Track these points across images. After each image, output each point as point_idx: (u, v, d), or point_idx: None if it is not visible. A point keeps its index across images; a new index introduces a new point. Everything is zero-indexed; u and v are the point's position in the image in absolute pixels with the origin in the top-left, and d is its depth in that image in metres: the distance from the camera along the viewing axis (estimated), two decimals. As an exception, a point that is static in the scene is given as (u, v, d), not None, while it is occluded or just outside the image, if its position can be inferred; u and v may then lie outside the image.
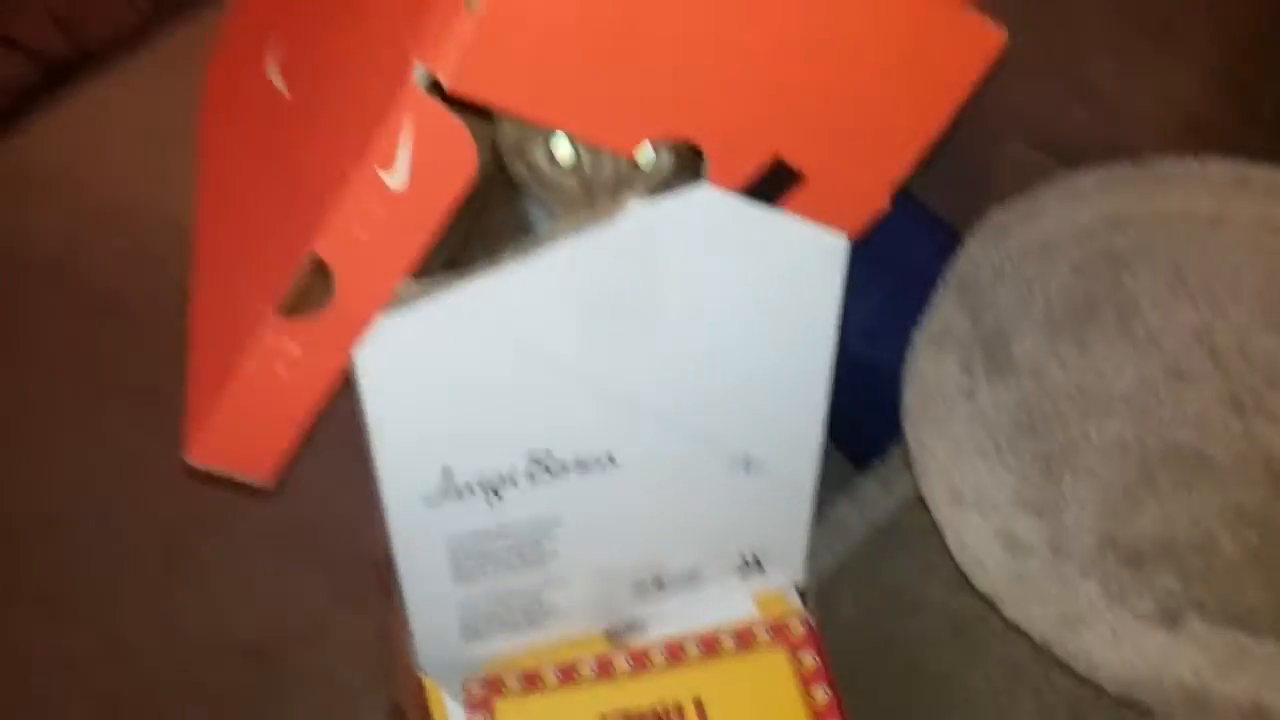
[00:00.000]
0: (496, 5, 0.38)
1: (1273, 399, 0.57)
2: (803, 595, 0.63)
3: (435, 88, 0.40)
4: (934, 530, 0.61)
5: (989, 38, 0.45)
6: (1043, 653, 0.62)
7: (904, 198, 0.95)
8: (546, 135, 0.48)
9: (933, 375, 0.59)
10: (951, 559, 0.62)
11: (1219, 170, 0.64)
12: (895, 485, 0.74)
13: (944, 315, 0.61)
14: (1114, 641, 0.49)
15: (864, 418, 0.76)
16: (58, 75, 1.37)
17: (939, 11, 0.44)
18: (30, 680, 0.91)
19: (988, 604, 0.65)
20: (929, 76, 0.46)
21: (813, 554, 0.79)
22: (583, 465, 0.54)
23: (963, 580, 0.66)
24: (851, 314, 0.81)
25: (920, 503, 0.62)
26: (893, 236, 0.92)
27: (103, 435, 1.05)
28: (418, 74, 0.40)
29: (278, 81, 0.54)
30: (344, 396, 0.55)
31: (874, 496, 0.75)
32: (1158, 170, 0.65)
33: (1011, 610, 0.54)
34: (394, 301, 0.46)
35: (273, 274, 0.45)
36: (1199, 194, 0.64)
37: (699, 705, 0.58)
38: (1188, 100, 1.42)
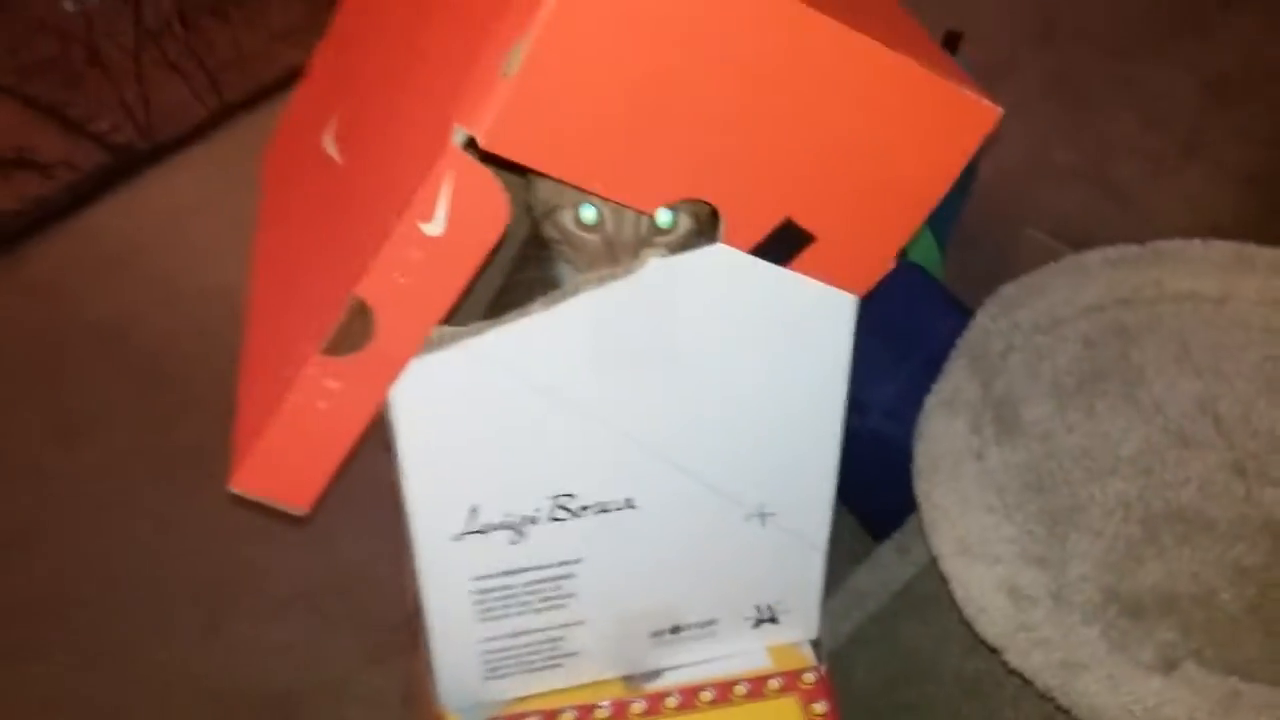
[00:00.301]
0: (529, 73, 0.43)
1: (1274, 465, 0.59)
2: (816, 648, 0.65)
3: (472, 146, 0.45)
4: (948, 595, 0.63)
5: (985, 113, 0.49)
6: (1053, 717, 0.64)
7: (931, 287, 0.97)
8: (575, 200, 0.52)
9: (943, 436, 0.62)
10: (965, 623, 0.63)
11: (1221, 250, 0.67)
12: (912, 552, 0.75)
13: (955, 381, 0.64)
14: (1112, 687, 0.50)
15: (885, 491, 0.78)
16: (130, 163, 1.46)
17: (938, 90, 0.48)
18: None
19: (999, 668, 0.66)
20: (930, 147, 0.49)
21: (831, 621, 0.81)
22: (603, 509, 0.57)
23: (975, 644, 0.67)
24: (875, 395, 0.84)
25: (935, 568, 0.64)
26: (919, 323, 0.96)
27: (148, 496, 1.10)
28: (457, 134, 0.44)
29: (332, 151, 0.59)
30: (377, 458, 0.58)
31: (891, 563, 0.77)
32: (1162, 250, 0.68)
33: (1015, 659, 0.55)
34: (429, 345, 0.49)
35: (318, 317, 0.49)
36: (1204, 273, 0.67)
37: (711, 750, 0.60)
38: (1214, 205, 1.45)
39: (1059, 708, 0.61)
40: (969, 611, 0.57)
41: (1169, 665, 0.50)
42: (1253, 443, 0.60)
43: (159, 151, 1.48)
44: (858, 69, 0.46)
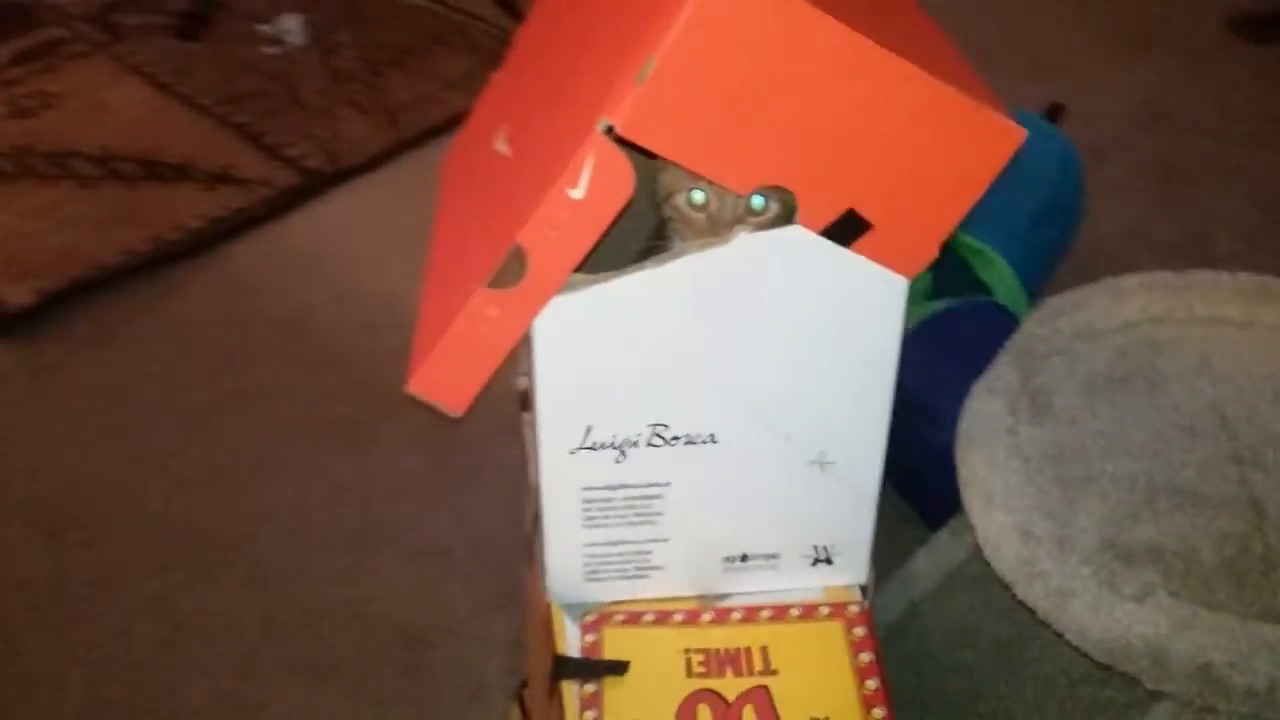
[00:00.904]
0: (656, 81, 0.58)
1: (1269, 456, 0.69)
2: (864, 591, 0.77)
3: (611, 134, 0.60)
4: (990, 573, 0.74)
5: (1010, 132, 0.62)
6: (1068, 669, 0.74)
7: (1011, 326, 1.07)
8: (688, 185, 0.67)
9: (984, 413, 0.73)
10: (1003, 592, 0.74)
11: (1247, 281, 0.78)
12: (964, 535, 0.86)
13: (1000, 371, 0.76)
14: (1095, 611, 0.61)
15: (945, 492, 0.89)
16: (317, 184, 1.68)
17: (970, 111, 0.61)
18: (237, 639, 1.10)
19: (1026, 632, 0.77)
20: (963, 159, 0.62)
21: (892, 597, 0.92)
22: (690, 440, 0.70)
23: (1009, 612, 0.78)
24: (951, 413, 0.95)
25: (981, 551, 0.75)
26: (987, 348, 1.07)
27: (310, 456, 1.28)
28: (600, 124, 0.60)
29: (503, 149, 0.76)
30: (509, 445, 0.69)
31: (944, 547, 0.88)
32: (1193, 278, 0.78)
33: (1021, 590, 0.66)
34: (567, 286, 0.64)
35: (485, 260, 0.65)
36: (1231, 301, 0.77)
37: (764, 651, 0.72)
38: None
39: (1067, 671, 0.71)
40: (987, 551, 0.68)
41: (1144, 596, 0.61)
42: (1252, 438, 0.70)
43: (341, 176, 1.70)
44: (904, 91, 0.60)
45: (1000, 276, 1.22)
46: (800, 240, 0.64)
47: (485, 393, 0.68)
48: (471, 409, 0.68)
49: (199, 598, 1.15)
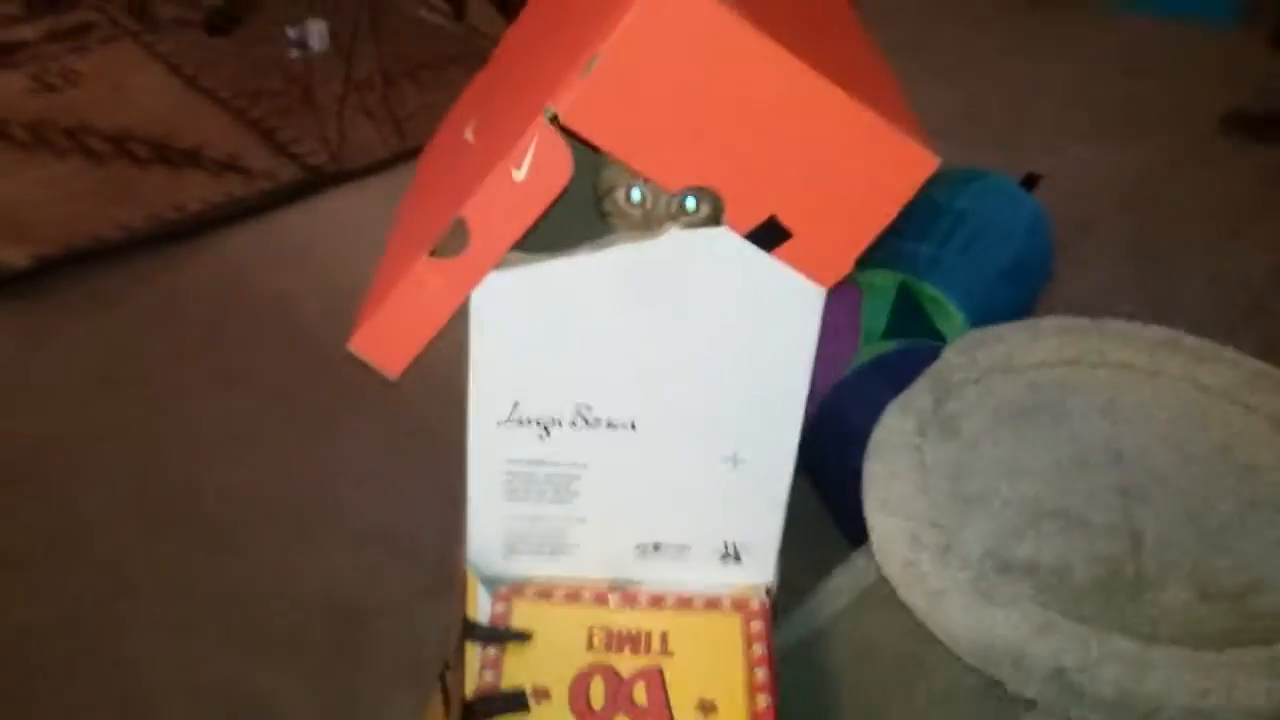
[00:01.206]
0: (598, 76, 0.63)
1: (1153, 492, 0.72)
2: (768, 593, 0.80)
3: (555, 122, 0.65)
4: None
5: (924, 158, 0.66)
6: (954, 683, 0.77)
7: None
8: (627, 182, 0.71)
9: (894, 429, 0.77)
10: (906, 612, 0.77)
11: (1156, 331, 0.82)
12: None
13: (915, 394, 0.80)
14: (965, 613, 0.64)
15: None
16: (319, 181, 1.74)
17: (887, 135, 0.65)
18: (180, 602, 1.13)
19: (921, 648, 0.80)
20: (880, 178, 0.67)
21: (808, 613, 0.95)
22: (611, 425, 0.74)
23: (911, 630, 0.81)
24: (862, 429, 0.98)
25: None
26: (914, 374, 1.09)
27: (277, 436, 1.32)
28: (546, 112, 0.64)
29: (469, 137, 0.81)
30: (461, 437, 0.72)
31: (860, 565, 0.91)
32: (1106, 326, 0.82)
33: (902, 592, 0.69)
34: (504, 264, 0.69)
35: (432, 231, 0.69)
36: (1140, 349, 0.81)
37: (664, 636, 0.75)
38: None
39: (957, 685, 0.74)
40: (877, 555, 0.72)
41: (1011, 602, 0.64)
42: (1141, 475, 0.73)
43: (343, 176, 1.75)
44: (827, 110, 0.64)
45: (954, 327, 1.26)
46: (726, 240, 0.69)
47: (447, 391, 0.72)
48: (408, 374, 0.72)
49: (148, 559, 1.18)
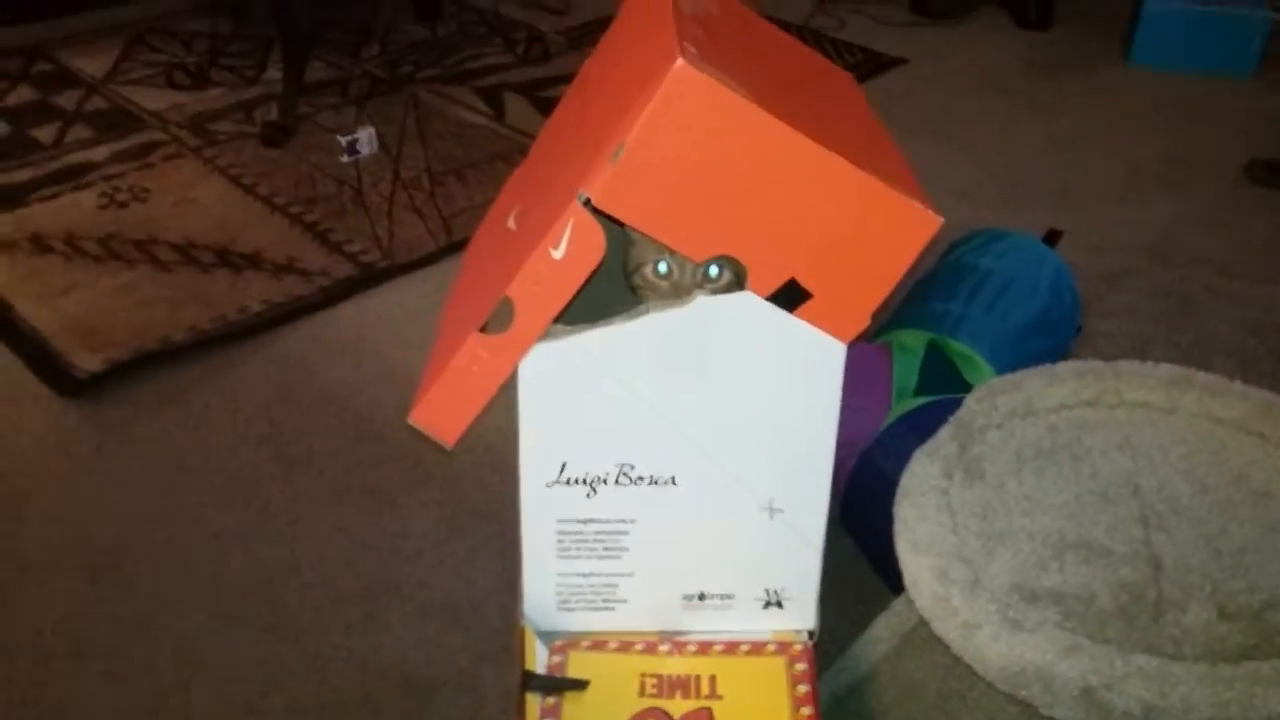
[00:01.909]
0: (626, 162, 0.70)
1: (1172, 521, 0.76)
2: (810, 637, 0.84)
3: (589, 205, 0.71)
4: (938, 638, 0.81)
5: (928, 218, 0.72)
6: (1002, 713, 0.80)
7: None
8: (654, 258, 0.78)
9: (922, 474, 0.82)
10: (946, 651, 0.81)
11: (1169, 370, 0.86)
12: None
13: (941, 440, 0.84)
14: (995, 642, 0.67)
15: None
16: (372, 276, 1.83)
17: (892, 200, 0.71)
18: (251, 681, 1.19)
19: (964, 684, 0.83)
20: (889, 239, 0.72)
21: (854, 659, 0.98)
22: (654, 481, 0.79)
23: (951, 666, 0.85)
24: (897, 481, 1.02)
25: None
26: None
27: (340, 516, 1.38)
28: (579, 196, 0.71)
29: (511, 224, 0.88)
30: (514, 513, 0.78)
31: (902, 610, 0.94)
32: (1120, 367, 0.87)
33: (936, 625, 0.73)
34: (547, 335, 0.75)
35: (481, 310, 0.76)
36: (1154, 388, 0.85)
37: (712, 679, 0.79)
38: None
39: (995, 716, 0.77)
40: (910, 592, 0.76)
41: (1038, 628, 0.68)
42: (1160, 505, 0.77)
43: (394, 270, 1.84)
44: (835, 180, 0.71)
45: (985, 380, 1.30)
46: (750, 304, 0.74)
47: (499, 466, 0.77)
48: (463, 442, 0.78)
49: (220, 640, 1.24)
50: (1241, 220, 1.99)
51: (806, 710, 0.76)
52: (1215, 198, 2.06)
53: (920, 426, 1.22)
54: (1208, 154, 2.19)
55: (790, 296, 0.74)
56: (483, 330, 0.75)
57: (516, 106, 2.36)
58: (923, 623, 0.93)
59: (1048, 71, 2.55)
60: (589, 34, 2.67)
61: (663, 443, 0.78)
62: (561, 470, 0.79)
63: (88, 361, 1.62)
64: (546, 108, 2.24)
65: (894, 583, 1.18)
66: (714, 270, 0.76)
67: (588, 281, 0.73)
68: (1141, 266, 1.86)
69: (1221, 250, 1.91)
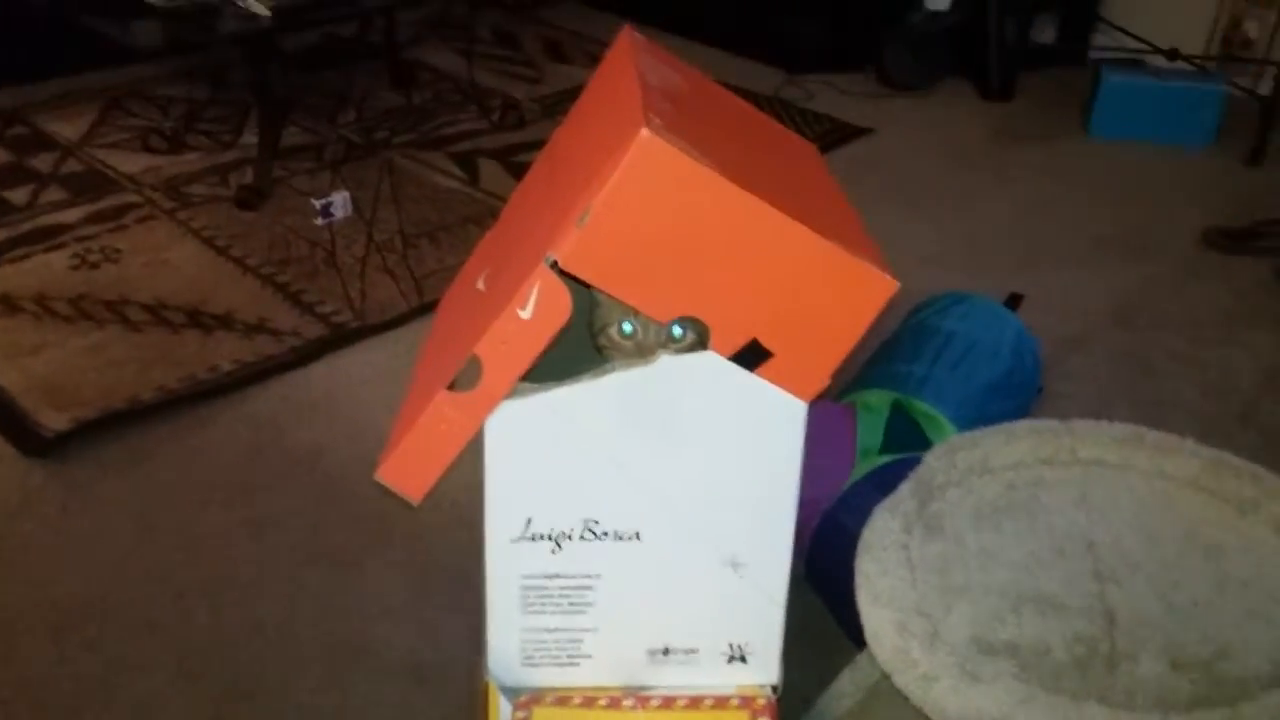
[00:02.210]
0: (592, 226, 0.72)
1: (1125, 575, 0.77)
2: (774, 691, 0.84)
3: (555, 267, 0.73)
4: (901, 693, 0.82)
5: (884, 282, 0.74)
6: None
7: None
8: (619, 318, 0.79)
9: (882, 529, 0.83)
10: (909, 704, 0.82)
11: (1121, 429, 0.88)
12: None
13: (901, 496, 0.86)
14: (954, 694, 0.69)
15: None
16: (342, 337, 1.84)
17: (849, 264, 0.74)
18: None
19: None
20: (846, 301, 0.75)
21: (819, 715, 0.99)
22: (619, 536, 0.81)
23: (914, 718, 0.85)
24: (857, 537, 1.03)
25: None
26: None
27: (307, 576, 1.37)
28: (546, 259, 0.73)
29: (480, 286, 0.89)
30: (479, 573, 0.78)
31: (865, 665, 0.95)
32: (1075, 426, 0.89)
33: (896, 678, 0.74)
34: (514, 393, 0.76)
35: (449, 369, 0.77)
36: (1107, 445, 0.88)
37: (675, 735, 0.79)
38: (1266, 465, 1.60)
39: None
40: (870, 643, 0.77)
41: (994, 680, 0.69)
42: (1114, 560, 0.79)
43: (366, 331, 1.85)
44: (794, 245, 0.73)
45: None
46: (712, 364, 0.76)
47: (466, 528, 0.78)
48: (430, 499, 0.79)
49: (183, 700, 1.22)
50: (1200, 285, 2.04)
51: (769, 765, 0.77)
52: (1174, 264, 2.12)
53: (885, 484, 1.23)
54: (1166, 222, 2.26)
55: (752, 356, 0.76)
56: (450, 388, 0.76)
57: (490, 171, 2.40)
58: (885, 677, 0.94)
59: (1010, 142, 2.62)
60: (562, 102, 2.73)
61: (627, 499, 0.80)
62: (527, 525, 0.80)
63: (54, 420, 1.62)
64: (520, 172, 2.27)
65: (859, 638, 1.19)
66: (678, 330, 0.78)
67: (554, 342, 0.75)
68: (1102, 330, 1.90)
69: (1180, 314, 1.95)
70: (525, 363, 0.75)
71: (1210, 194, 2.37)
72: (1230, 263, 2.12)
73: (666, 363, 0.77)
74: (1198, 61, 2.66)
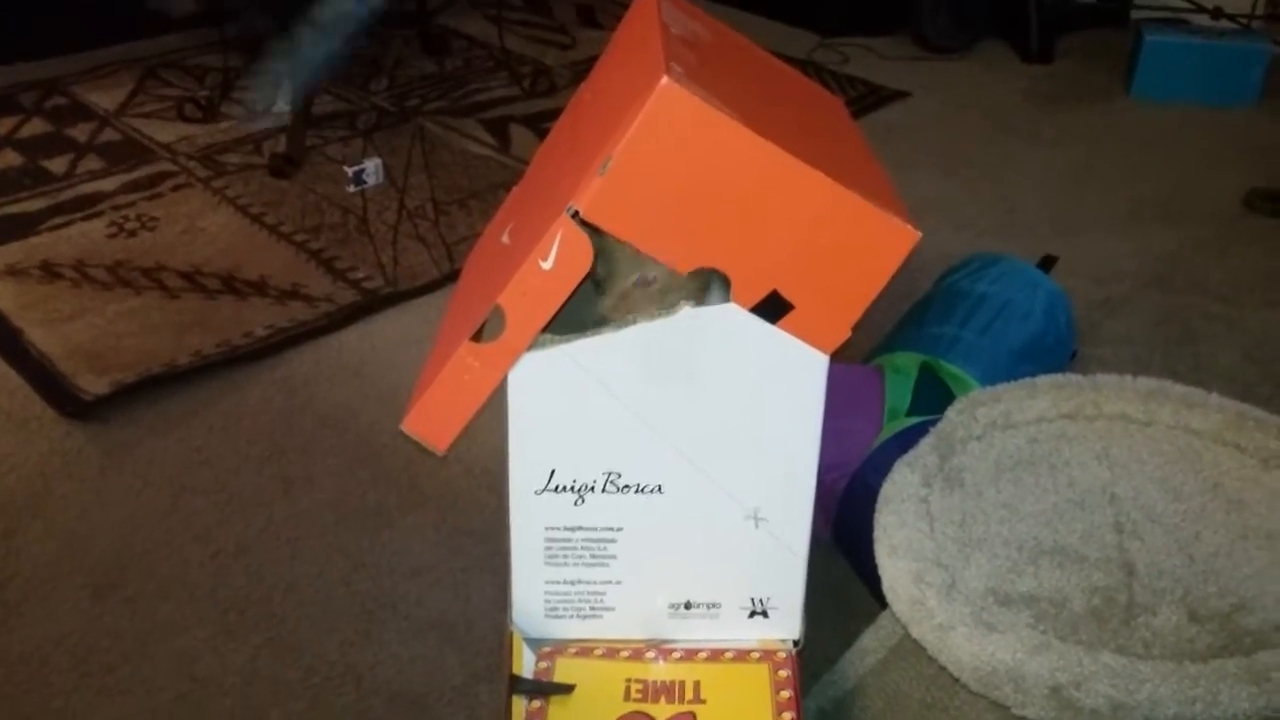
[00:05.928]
0: (613, 175, 0.72)
1: (1146, 528, 0.77)
2: (795, 645, 0.85)
3: (577, 217, 0.74)
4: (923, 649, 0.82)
5: (905, 232, 0.74)
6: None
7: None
8: (640, 270, 0.80)
9: (902, 483, 0.83)
10: (931, 662, 0.82)
11: (1145, 383, 0.87)
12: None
13: (922, 451, 0.86)
14: (969, 643, 0.69)
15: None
16: (375, 303, 1.86)
17: (870, 214, 0.73)
18: (248, 696, 1.20)
19: (945, 694, 0.84)
20: (867, 253, 0.74)
21: (842, 673, 0.99)
22: (640, 489, 0.81)
23: (936, 676, 0.86)
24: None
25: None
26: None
27: (339, 536, 1.40)
28: (568, 209, 0.74)
29: (505, 239, 0.90)
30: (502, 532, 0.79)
31: (888, 623, 0.95)
32: (1099, 380, 0.88)
33: (913, 629, 0.74)
34: (536, 344, 0.77)
35: (473, 320, 0.78)
36: (1131, 400, 0.87)
37: (696, 685, 0.80)
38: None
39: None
40: (888, 597, 0.77)
41: (1010, 629, 0.69)
42: (1135, 513, 0.78)
43: (397, 297, 1.87)
44: (814, 194, 0.73)
45: (975, 400, 1.32)
46: (733, 315, 0.76)
47: (494, 488, 0.78)
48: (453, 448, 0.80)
49: (218, 656, 1.25)
50: (1240, 249, 2.01)
51: (789, 715, 0.77)
52: (1214, 227, 2.08)
53: (911, 445, 1.23)
54: (1207, 184, 2.22)
55: (773, 308, 0.76)
56: (474, 339, 0.77)
57: (522, 137, 2.40)
58: (909, 635, 0.94)
59: (1049, 104, 2.58)
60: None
61: (649, 451, 0.80)
62: (550, 477, 0.81)
63: (93, 384, 1.65)
64: (550, 139, 2.27)
65: (881, 596, 1.19)
66: (698, 282, 0.78)
67: (576, 292, 0.75)
68: (1139, 295, 1.88)
69: (1220, 278, 1.92)
70: (547, 313, 0.76)
71: (1253, 156, 2.33)
72: (1272, 226, 2.08)
73: (688, 314, 0.77)
74: (1242, 20, 2.60)
